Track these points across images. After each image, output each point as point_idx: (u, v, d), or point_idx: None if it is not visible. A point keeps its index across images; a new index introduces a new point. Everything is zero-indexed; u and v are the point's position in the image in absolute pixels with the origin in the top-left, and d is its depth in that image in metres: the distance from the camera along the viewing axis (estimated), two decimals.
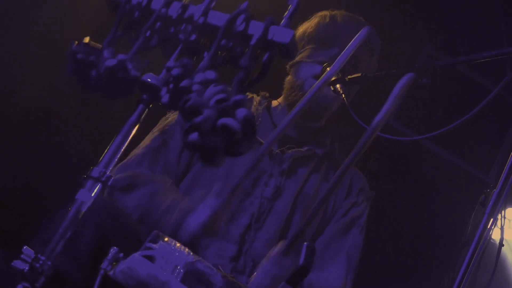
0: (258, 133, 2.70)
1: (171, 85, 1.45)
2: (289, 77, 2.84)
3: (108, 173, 1.47)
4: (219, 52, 1.53)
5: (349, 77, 2.57)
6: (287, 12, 1.54)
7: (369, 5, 3.74)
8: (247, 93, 2.85)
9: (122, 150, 1.51)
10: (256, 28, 1.52)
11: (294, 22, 1.55)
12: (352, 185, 2.83)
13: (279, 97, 2.91)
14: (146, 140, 2.72)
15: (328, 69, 2.63)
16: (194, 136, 1.39)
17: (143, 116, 1.53)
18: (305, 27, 2.86)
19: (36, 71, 3.63)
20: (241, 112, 1.40)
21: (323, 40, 2.78)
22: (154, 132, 2.74)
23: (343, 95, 2.56)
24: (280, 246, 2.34)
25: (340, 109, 2.79)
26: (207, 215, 2.18)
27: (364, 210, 2.82)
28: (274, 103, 2.90)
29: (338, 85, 2.56)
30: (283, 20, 1.52)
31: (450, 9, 4.13)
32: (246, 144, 1.41)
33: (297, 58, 2.80)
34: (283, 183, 2.70)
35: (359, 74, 2.57)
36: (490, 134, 4.19)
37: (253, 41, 1.50)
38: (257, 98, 2.88)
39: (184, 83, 1.44)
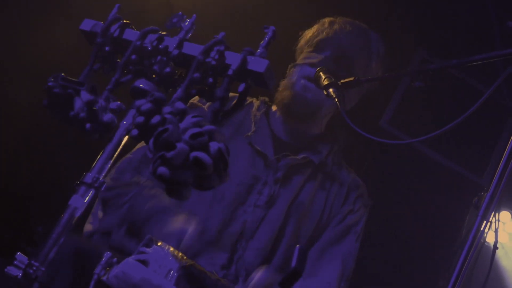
0: (255, 140, 2.70)
1: (140, 119, 1.44)
2: (284, 80, 2.84)
3: (101, 179, 1.47)
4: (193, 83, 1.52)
5: (342, 81, 2.56)
6: (263, 41, 1.54)
7: (362, 9, 3.76)
8: (247, 98, 2.85)
9: (115, 156, 1.51)
10: (233, 59, 1.51)
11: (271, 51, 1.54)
12: (349, 192, 2.81)
13: None
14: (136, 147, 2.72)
15: (321, 73, 2.63)
16: (163, 170, 1.37)
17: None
18: (307, 32, 2.89)
19: (32, 78, 3.63)
20: (214, 146, 1.38)
21: (317, 43, 2.80)
22: None
23: (336, 99, 2.53)
24: None
25: (343, 120, 2.76)
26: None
27: (361, 218, 2.81)
28: (274, 108, 2.89)
29: (331, 90, 2.55)
30: (258, 49, 1.52)
31: (443, 12, 4.15)
32: (217, 179, 1.39)
33: (297, 62, 2.83)
34: (277, 191, 2.66)
35: (352, 78, 2.56)
36: (483, 137, 4.20)
37: (230, 72, 1.49)
38: (256, 103, 2.87)
39: (155, 119, 1.42)
